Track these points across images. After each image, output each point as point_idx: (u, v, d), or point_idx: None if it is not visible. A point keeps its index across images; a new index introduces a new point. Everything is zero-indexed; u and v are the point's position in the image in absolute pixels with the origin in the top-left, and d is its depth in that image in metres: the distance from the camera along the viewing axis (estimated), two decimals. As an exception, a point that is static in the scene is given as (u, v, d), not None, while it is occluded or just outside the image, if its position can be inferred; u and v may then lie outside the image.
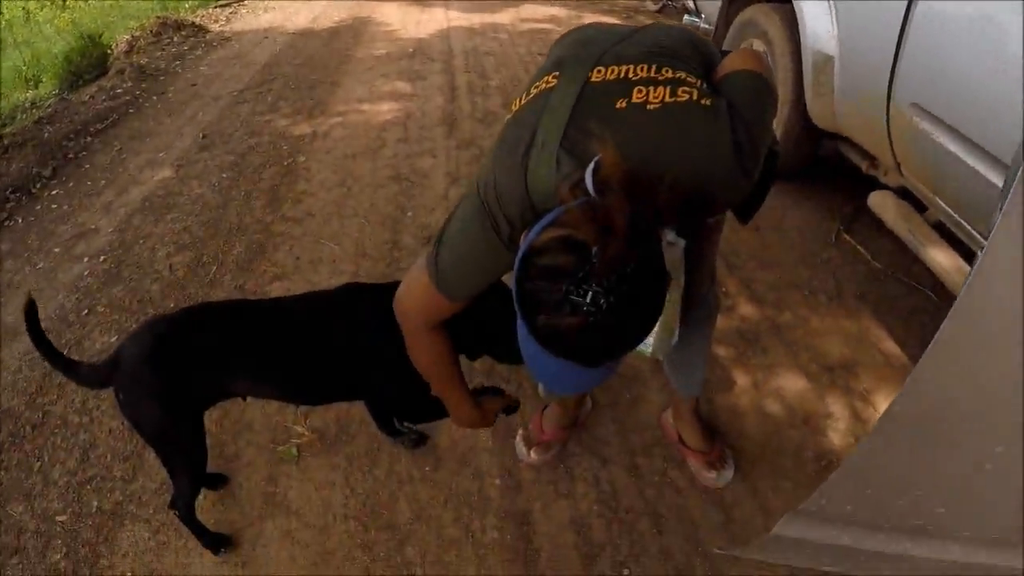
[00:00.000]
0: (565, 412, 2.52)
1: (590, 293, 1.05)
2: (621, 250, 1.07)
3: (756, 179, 1.43)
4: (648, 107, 1.32)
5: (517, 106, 1.48)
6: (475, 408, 1.96)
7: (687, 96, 1.34)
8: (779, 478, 2.45)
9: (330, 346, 2.09)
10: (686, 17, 5.28)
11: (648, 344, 1.84)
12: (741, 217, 1.99)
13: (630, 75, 1.37)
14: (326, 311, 2.14)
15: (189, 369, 2.01)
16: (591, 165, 1.21)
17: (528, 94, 1.47)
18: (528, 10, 9.26)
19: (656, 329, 1.82)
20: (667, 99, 1.33)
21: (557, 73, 1.44)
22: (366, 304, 2.14)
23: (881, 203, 3.05)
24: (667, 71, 1.38)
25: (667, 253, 1.78)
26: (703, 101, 1.34)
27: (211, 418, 2.70)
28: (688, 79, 1.38)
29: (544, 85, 1.44)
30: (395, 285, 1.89)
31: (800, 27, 3.28)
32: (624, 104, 1.33)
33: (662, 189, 1.17)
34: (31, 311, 1.99)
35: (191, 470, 2.16)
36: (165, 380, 1.98)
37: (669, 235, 1.76)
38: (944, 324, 0.92)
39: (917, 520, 1.15)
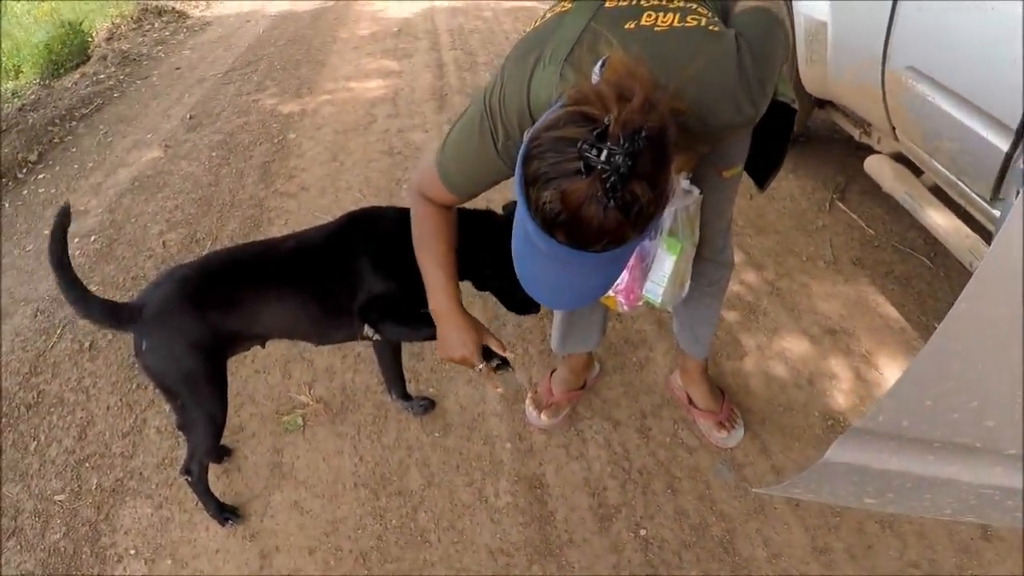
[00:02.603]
0: (573, 375, 2.51)
1: (604, 151, 1.04)
2: (637, 114, 1.07)
3: (762, 111, 1.42)
4: (655, 29, 1.35)
5: (532, 27, 1.51)
6: (458, 308, 1.79)
7: (695, 22, 1.36)
8: (789, 438, 2.45)
9: (340, 270, 2.09)
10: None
11: (658, 295, 1.84)
12: (758, 181, 2.00)
13: (642, 2, 1.40)
14: (336, 237, 2.14)
15: (216, 310, 1.99)
16: (599, 62, 1.23)
17: (543, 17, 1.51)
18: (510, -11, 9.22)
19: (667, 281, 1.83)
20: (675, 23, 1.35)
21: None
22: (373, 225, 2.18)
23: (877, 167, 3.04)
24: (678, 1, 1.41)
25: (682, 201, 1.78)
26: (710, 28, 1.37)
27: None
28: (699, 9, 1.40)
29: (559, 8, 1.48)
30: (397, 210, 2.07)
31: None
32: (633, 26, 1.36)
33: (666, 93, 1.16)
34: (63, 219, 1.92)
35: (212, 425, 2.12)
36: (194, 322, 1.96)
37: (684, 183, 1.76)
38: (1002, 227, 0.91)
39: (966, 437, 1.14)
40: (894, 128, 2.79)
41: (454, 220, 1.80)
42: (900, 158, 2.99)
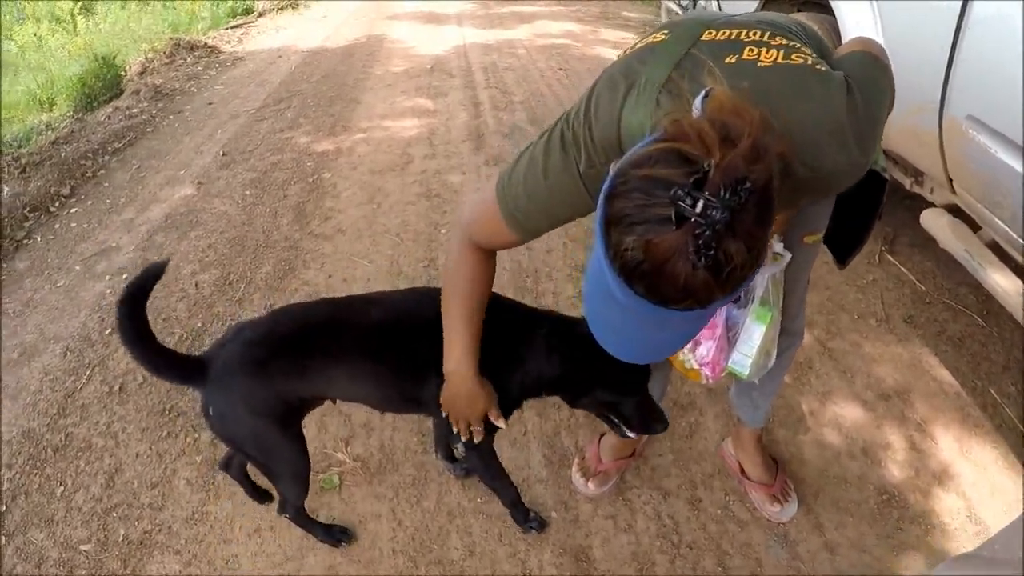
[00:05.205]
0: (623, 441, 2.40)
1: (701, 201, 0.92)
2: (741, 163, 0.95)
3: (870, 162, 1.31)
4: (759, 64, 1.25)
5: (622, 56, 1.42)
6: (476, 373, 1.73)
7: (800, 60, 1.26)
8: (842, 513, 2.36)
9: (427, 359, 1.89)
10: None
11: (746, 366, 1.74)
12: (840, 257, 1.88)
13: (742, 37, 1.31)
14: (418, 310, 1.97)
15: (283, 377, 1.89)
16: (701, 93, 1.11)
17: (634, 48, 1.41)
18: (542, 26, 9.32)
19: (755, 351, 1.73)
20: (779, 60, 1.25)
21: (667, 31, 1.37)
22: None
23: (934, 222, 2.93)
24: (780, 39, 1.31)
25: (775, 267, 1.68)
26: (817, 67, 1.26)
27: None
28: (802, 49, 1.30)
29: (652, 40, 1.38)
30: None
31: (842, 36, 3.15)
32: (734, 59, 1.26)
33: (774, 135, 1.04)
34: (157, 272, 1.83)
35: (295, 480, 2.06)
36: (260, 390, 1.87)
37: (777, 246, 1.66)
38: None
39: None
40: (951, 180, 2.68)
41: (493, 274, 1.70)
42: (955, 210, 2.89)
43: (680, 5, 8.61)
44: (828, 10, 3.28)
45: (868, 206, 1.68)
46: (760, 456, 2.38)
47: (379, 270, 3.73)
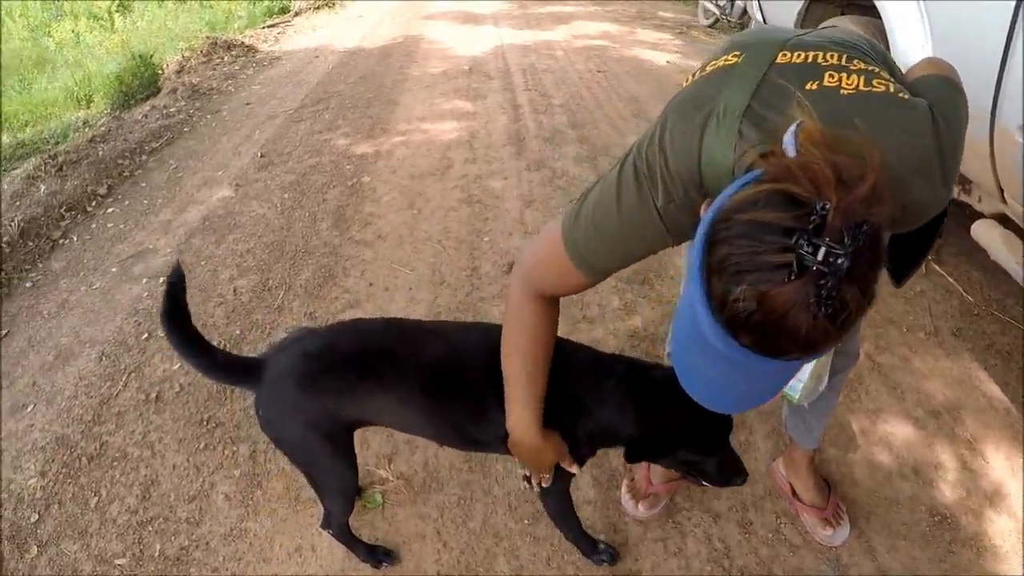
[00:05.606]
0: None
1: (823, 248, 0.87)
2: (860, 206, 0.90)
3: (947, 201, 1.26)
4: (842, 91, 1.18)
5: (689, 82, 1.34)
6: (539, 430, 1.64)
7: (883, 88, 1.19)
8: (895, 536, 2.28)
9: (478, 390, 1.82)
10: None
11: (797, 390, 1.69)
12: (896, 276, 1.80)
13: (819, 60, 1.24)
14: (479, 348, 1.87)
15: (335, 397, 1.83)
16: (793, 126, 1.02)
17: (703, 71, 1.33)
18: (579, 27, 9.30)
19: (807, 376, 1.65)
20: (861, 87, 1.18)
21: (739, 52, 1.29)
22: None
23: (986, 233, 2.84)
24: (858, 62, 1.24)
25: None
26: (900, 95, 1.20)
27: (284, 461, 2.54)
28: (882, 74, 1.23)
29: (723, 62, 1.30)
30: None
31: (889, 40, 3.07)
32: (815, 86, 1.19)
33: (870, 168, 0.96)
34: (176, 282, 1.77)
35: (340, 496, 2.03)
36: (310, 404, 1.82)
37: None
38: None
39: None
40: (1002, 190, 2.59)
41: (556, 323, 1.62)
42: (1003, 220, 2.80)
43: (717, 5, 8.55)
44: (873, 12, 3.19)
45: (927, 226, 1.60)
46: (813, 478, 2.31)
47: (421, 279, 3.67)
